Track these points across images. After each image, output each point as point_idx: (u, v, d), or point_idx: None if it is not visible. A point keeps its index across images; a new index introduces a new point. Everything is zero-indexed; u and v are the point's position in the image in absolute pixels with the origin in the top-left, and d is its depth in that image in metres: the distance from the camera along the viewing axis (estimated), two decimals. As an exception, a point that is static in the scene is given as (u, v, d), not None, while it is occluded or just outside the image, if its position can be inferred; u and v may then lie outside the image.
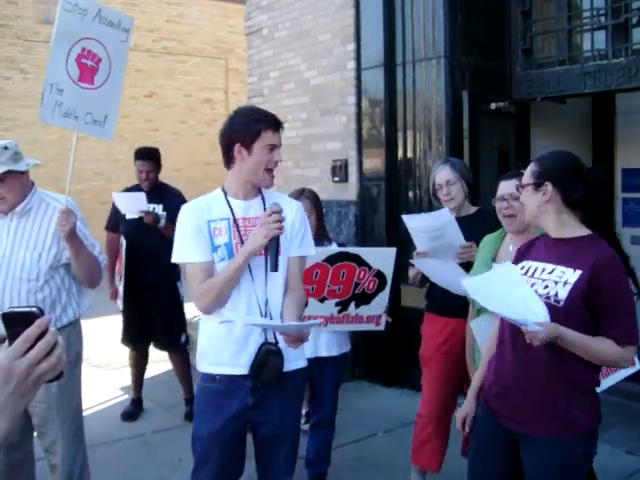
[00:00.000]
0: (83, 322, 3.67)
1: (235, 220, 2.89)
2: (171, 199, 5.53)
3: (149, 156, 5.57)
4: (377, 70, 6.26)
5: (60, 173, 13.33)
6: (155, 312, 5.56)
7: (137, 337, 5.69)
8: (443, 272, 3.73)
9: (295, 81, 7.19)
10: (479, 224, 3.80)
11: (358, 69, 6.45)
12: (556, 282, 2.56)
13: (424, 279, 4.06)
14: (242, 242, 2.84)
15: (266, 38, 7.55)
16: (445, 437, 4.10)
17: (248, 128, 2.82)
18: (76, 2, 3.30)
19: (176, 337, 5.69)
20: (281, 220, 2.77)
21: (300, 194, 4.12)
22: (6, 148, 3.27)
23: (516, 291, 2.56)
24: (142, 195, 5.28)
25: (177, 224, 2.94)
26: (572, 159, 2.72)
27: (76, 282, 3.57)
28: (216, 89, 18.32)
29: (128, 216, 5.40)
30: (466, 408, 2.96)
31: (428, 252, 3.77)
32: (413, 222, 3.76)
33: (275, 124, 2.88)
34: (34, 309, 1.28)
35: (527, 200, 2.71)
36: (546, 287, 2.57)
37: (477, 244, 3.67)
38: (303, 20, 7.03)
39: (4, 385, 1.23)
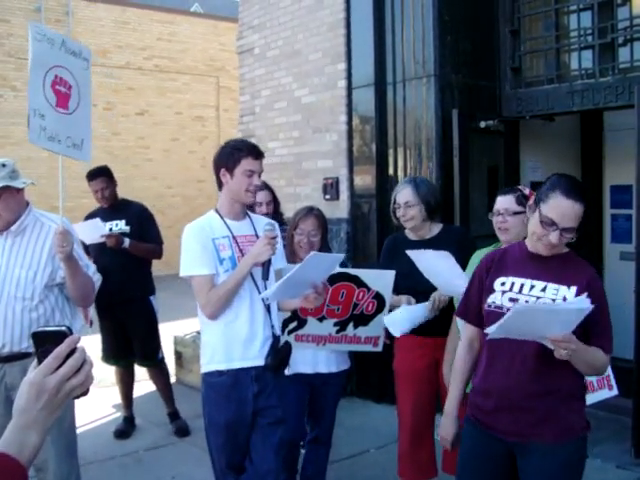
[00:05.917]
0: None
1: (234, 237, 3.32)
2: (133, 213, 5.56)
3: (98, 174, 5.59)
4: (368, 89, 6.31)
5: (51, 190, 13.31)
6: (130, 328, 5.57)
7: (116, 354, 5.69)
8: (438, 268, 3.69)
9: (287, 99, 7.24)
10: (443, 245, 3.75)
11: (349, 88, 6.51)
12: (554, 300, 2.64)
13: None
14: (242, 255, 3.27)
15: (258, 57, 7.61)
16: (428, 449, 4.11)
17: (231, 155, 3.30)
18: (44, 32, 3.50)
19: (153, 352, 5.71)
20: (276, 237, 3.25)
21: (309, 211, 4.14)
22: (4, 165, 3.29)
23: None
24: (97, 220, 5.31)
25: (184, 242, 3.29)
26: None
27: (69, 302, 3.58)
28: (207, 107, 18.40)
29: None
30: (453, 427, 2.97)
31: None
32: (419, 257, 3.70)
33: (254, 152, 3.31)
34: (64, 328, 1.34)
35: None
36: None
37: None
38: (295, 39, 7.10)
39: (36, 400, 1.29)
